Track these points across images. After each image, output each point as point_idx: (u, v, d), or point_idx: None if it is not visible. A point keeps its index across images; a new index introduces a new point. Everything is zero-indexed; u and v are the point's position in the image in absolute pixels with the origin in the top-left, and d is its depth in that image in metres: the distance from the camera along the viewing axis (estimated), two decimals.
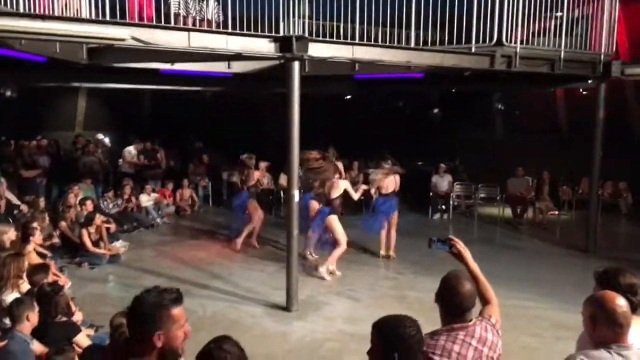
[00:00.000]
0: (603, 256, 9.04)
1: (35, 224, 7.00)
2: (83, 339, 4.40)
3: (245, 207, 9.63)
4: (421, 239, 10.41)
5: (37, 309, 3.98)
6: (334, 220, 8.06)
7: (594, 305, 2.40)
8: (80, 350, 4.07)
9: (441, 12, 8.12)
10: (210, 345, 2.14)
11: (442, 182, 12.82)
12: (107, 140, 13.61)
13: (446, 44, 8.41)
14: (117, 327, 4.11)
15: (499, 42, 8.02)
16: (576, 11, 8.76)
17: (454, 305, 2.52)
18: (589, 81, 9.74)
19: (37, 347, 3.87)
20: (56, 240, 8.55)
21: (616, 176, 12.67)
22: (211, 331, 5.94)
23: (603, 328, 2.34)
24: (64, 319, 4.52)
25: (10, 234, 6.81)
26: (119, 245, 9.22)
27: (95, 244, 8.58)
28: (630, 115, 13.38)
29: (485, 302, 2.72)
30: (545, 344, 5.77)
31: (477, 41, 8.00)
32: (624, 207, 12.75)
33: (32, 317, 3.86)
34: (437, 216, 12.66)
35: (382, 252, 9.13)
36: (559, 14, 8.58)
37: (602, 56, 8.82)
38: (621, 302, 2.34)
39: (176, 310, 2.05)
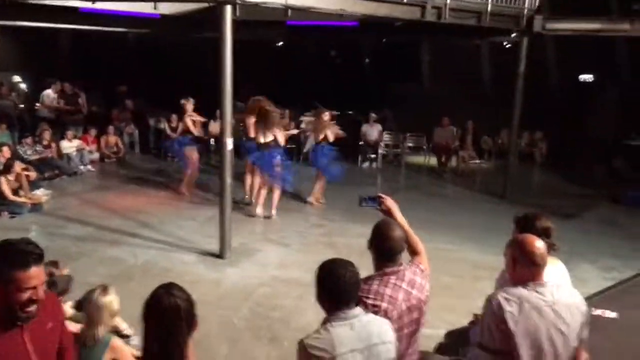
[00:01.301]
0: (518, 202, 9.64)
1: None
2: None
3: (182, 153, 9.48)
4: (351, 187, 10.77)
5: None
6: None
7: (515, 247, 2.61)
8: None
9: None
10: (159, 291, 2.16)
11: (372, 131, 13.08)
12: (23, 85, 12.72)
13: None
14: (46, 275, 4.03)
15: None
16: None
17: (386, 249, 2.66)
18: (513, 35, 10.12)
19: None
20: None
21: (533, 127, 13.41)
22: (143, 279, 5.97)
23: (522, 268, 2.56)
24: None
25: None
26: (41, 194, 8.85)
27: (15, 192, 8.19)
28: (549, 68, 14.09)
29: (414, 253, 2.89)
30: (465, 283, 6.19)
31: None
32: (539, 157, 13.60)
33: None
34: (366, 164, 12.97)
35: (312, 199, 9.29)
36: None
37: (526, 10, 9.15)
38: (539, 245, 2.56)
39: (19, 273, 1.99)
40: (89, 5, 7.90)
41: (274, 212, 8.38)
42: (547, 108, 13.15)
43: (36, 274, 2.04)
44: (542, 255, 2.55)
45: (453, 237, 7.74)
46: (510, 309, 2.43)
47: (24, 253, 2.03)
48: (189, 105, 9.32)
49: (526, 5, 9.12)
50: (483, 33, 11.15)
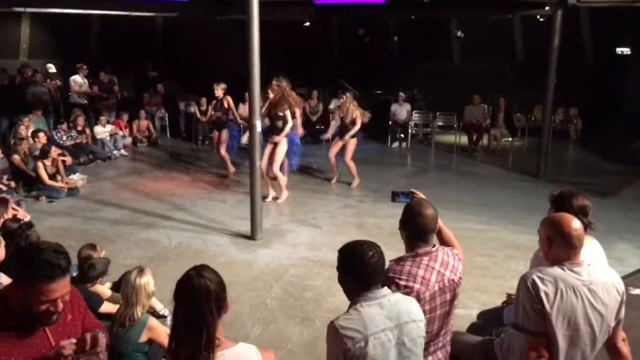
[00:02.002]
0: (552, 180, 9.48)
1: None
2: None
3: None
4: (381, 167, 10.72)
5: (3, 243, 3.94)
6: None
7: (551, 227, 2.54)
8: None
9: None
10: (190, 273, 2.19)
11: (401, 110, 12.94)
12: (53, 71, 12.93)
13: None
14: (85, 258, 4.15)
15: None
16: None
17: (418, 227, 2.63)
18: (546, 8, 9.82)
19: (6, 280, 3.87)
20: (12, 184, 8.28)
21: (568, 103, 13.07)
22: (177, 261, 6.09)
23: (558, 248, 2.50)
24: None
25: None
26: (77, 179, 9.06)
27: (52, 177, 8.41)
28: (584, 42, 13.66)
29: (448, 245, 2.87)
30: (498, 263, 6.13)
31: None
32: (574, 133, 13.26)
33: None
34: (395, 144, 12.87)
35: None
36: None
37: None
38: (576, 225, 2.50)
39: (43, 285, 1.97)
40: None
41: (285, 194, 8.35)
42: (582, 83, 12.78)
43: (60, 287, 2.01)
44: (579, 235, 2.49)
45: (485, 216, 7.65)
46: (545, 288, 2.39)
47: (51, 265, 1.99)
48: (219, 90, 9.24)
49: None
50: (515, 6, 10.86)
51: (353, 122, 8.99)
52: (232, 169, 9.52)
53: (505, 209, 8.01)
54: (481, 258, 6.22)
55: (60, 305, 2.05)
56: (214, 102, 9.46)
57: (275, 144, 8.14)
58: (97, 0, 9.82)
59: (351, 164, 9.21)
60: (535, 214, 6.86)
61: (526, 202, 8.19)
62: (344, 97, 9.08)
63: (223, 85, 9.26)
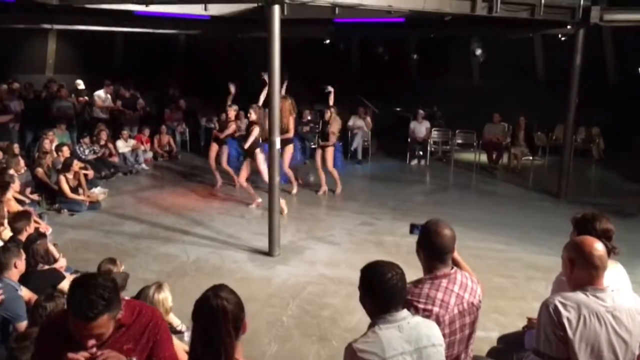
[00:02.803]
0: (574, 200, 9.36)
1: (12, 171, 6.91)
2: (67, 286, 4.45)
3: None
4: (399, 184, 10.68)
5: (24, 256, 4.00)
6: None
7: (573, 248, 2.51)
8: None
9: None
10: (208, 293, 2.20)
11: (420, 128, 12.91)
12: (82, 87, 13.19)
13: None
14: (106, 273, 4.18)
15: None
16: None
17: (436, 247, 2.58)
18: (568, 27, 9.76)
19: (26, 293, 3.92)
20: (35, 197, 8.42)
21: (589, 122, 12.91)
22: (195, 276, 6.11)
23: (581, 271, 2.46)
24: (46, 267, 4.56)
25: None
26: (98, 192, 9.18)
27: (74, 190, 8.53)
28: (606, 61, 13.52)
29: None
30: (518, 284, 6.03)
31: None
32: (596, 153, 13.08)
33: (19, 265, 3.89)
34: (414, 162, 12.82)
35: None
36: None
37: (582, 1, 8.80)
38: (599, 247, 2.46)
39: (79, 322, 2.03)
40: (142, 8, 8.12)
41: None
42: (604, 102, 12.62)
43: (99, 325, 2.04)
44: (602, 258, 2.44)
45: (505, 236, 7.56)
46: (567, 314, 2.34)
47: (89, 304, 2.01)
48: (231, 112, 9.61)
49: None
50: (536, 26, 10.80)
51: (332, 133, 9.51)
52: (220, 181, 10.01)
53: (526, 229, 7.91)
54: (501, 279, 6.13)
55: (104, 336, 2.09)
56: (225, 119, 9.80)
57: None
58: (121, 18, 10.00)
59: (334, 172, 9.68)
60: (556, 234, 6.80)
61: (547, 223, 8.08)
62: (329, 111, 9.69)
63: (235, 107, 9.66)
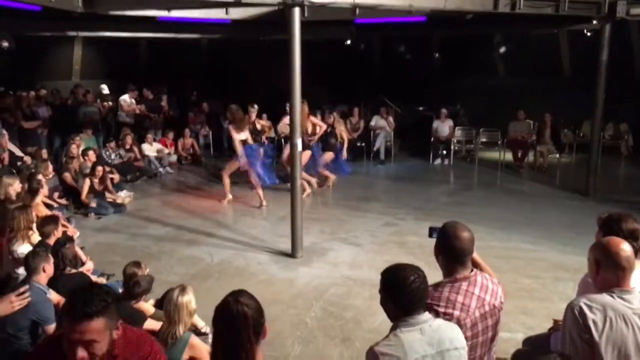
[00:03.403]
0: (602, 199, 9.16)
1: (41, 177, 7.06)
2: None
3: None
4: (423, 184, 10.61)
5: (52, 260, 4.08)
6: None
7: (600, 250, 2.46)
8: None
9: None
10: (228, 299, 2.21)
11: (444, 127, 12.80)
12: (107, 91, 13.43)
13: None
14: (130, 276, 4.25)
15: None
16: None
17: (455, 250, 2.55)
18: (594, 22, 9.57)
19: (55, 296, 4.00)
20: (63, 201, 8.60)
21: (617, 118, 12.64)
22: (219, 278, 6.16)
23: (607, 272, 2.41)
24: (73, 271, 4.64)
25: (16, 186, 6.88)
26: (124, 196, 9.33)
27: (102, 194, 8.69)
28: (634, 56, 13.22)
29: None
30: (545, 285, 5.93)
31: None
32: (625, 149, 12.79)
33: (48, 269, 3.97)
34: (438, 161, 12.72)
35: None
36: None
37: None
38: (625, 247, 2.41)
39: (67, 323, 1.92)
40: (165, 14, 8.22)
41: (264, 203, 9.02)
42: (633, 98, 12.34)
43: (93, 328, 1.90)
44: (629, 258, 2.39)
45: (532, 236, 7.43)
46: (593, 316, 2.30)
47: (86, 302, 1.90)
48: (253, 112, 9.72)
49: None
50: (561, 21, 10.63)
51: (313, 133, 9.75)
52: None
53: (553, 229, 7.77)
54: (528, 280, 6.04)
55: (83, 354, 1.91)
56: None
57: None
58: (144, 23, 10.15)
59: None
60: (584, 234, 6.66)
61: (575, 222, 7.93)
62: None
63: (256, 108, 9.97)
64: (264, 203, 8.98)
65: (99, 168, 8.86)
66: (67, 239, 4.78)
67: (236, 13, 8.16)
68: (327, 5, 6.74)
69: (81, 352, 1.90)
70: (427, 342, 2.22)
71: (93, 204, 8.53)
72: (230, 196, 9.22)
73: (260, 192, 8.99)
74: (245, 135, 8.92)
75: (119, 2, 6.76)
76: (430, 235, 2.86)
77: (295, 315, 5.28)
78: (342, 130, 10.76)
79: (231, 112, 8.94)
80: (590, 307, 2.32)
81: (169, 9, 8.04)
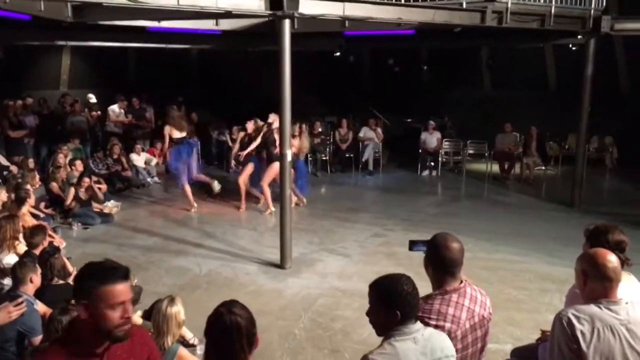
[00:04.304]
0: (588, 210, 9.27)
1: (28, 186, 7.01)
2: None
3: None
4: (411, 195, 10.67)
5: (39, 270, 4.05)
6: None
7: (587, 261, 2.49)
8: None
9: None
10: (221, 309, 2.21)
11: (431, 139, 12.90)
12: (94, 100, 13.35)
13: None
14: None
15: None
16: None
17: (446, 260, 2.54)
18: (579, 37, 9.74)
19: (42, 307, 3.96)
20: (49, 211, 8.51)
21: (602, 131, 12.82)
22: (208, 289, 6.13)
23: (594, 283, 2.44)
24: (61, 282, 4.60)
25: (2, 195, 6.82)
26: (111, 206, 9.26)
27: (86, 203, 8.62)
28: (618, 70, 13.45)
29: None
30: (531, 296, 5.97)
31: None
32: (609, 162, 12.97)
33: (35, 279, 3.93)
34: (425, 173, 12.80)
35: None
36: None
37: (592, 11, 8.79)
38: (612, 258, 2.44)
39: (107, 287, 1.99)
40: (155, 24, 8.24)
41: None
42: (617, 111, 12.53)
43: (124, 290, 2.04)
44: (615, 269, 2.42)
45: (518, 247, 7.49)
46: (581, 327, 2.33)
47: (111, 269, 2.05)
48: (250, 125, 9.73)
49: (592, 5, 8.76)
50: (547, 35, 10.80)
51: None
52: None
53: (539, 240, 7.84)
54: (515, 291, 6.08)
55: (131, 310, 2.08)
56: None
57: None
58: (134, 33, 10.14)
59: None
60: (571, 245, 6.72)
61: (561, 233, 8.02)
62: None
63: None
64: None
65: (86, 180, 8.81)
66: (55, 249, 4.74)
67: (226, 24, 8.20)
68: (317, 17, 6.80)
69: (130, 311, 2.07)
70: (420, 351, 2.23)
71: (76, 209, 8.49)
72: (196, 205, 9.41)
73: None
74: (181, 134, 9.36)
75: (109, 12, 6.75)
76: (411, 249, 2.86)
77: (284, 326, 5.27)
78: (300, 143, 9.69)
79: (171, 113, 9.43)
80: (578, 318, 2.35)
81: (159, 19, 8.06)
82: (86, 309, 2.00)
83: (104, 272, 2.03)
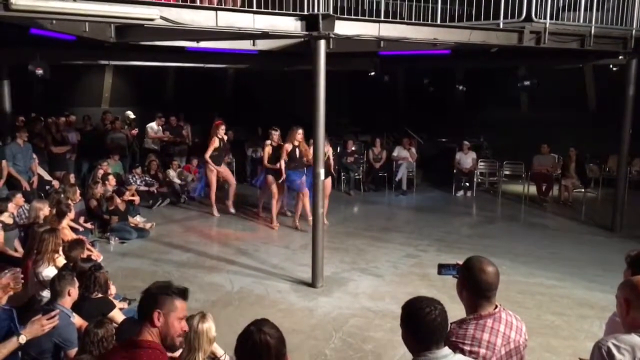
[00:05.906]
0: (629, 235, 8.98)
1: (69, 202, 7.20)
2: (117, 314, 4.57)
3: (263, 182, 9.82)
4: (445, 216, 10.53)
5: (77, 284, 4.14)
6: None
7: (629, 289, 2.40)
8: (115, 325, 4.23)
9: None
10: (251, 328, 2.22)
11: (466, 159, 12.75)
12: (132, 117, 13.71)
13: (474, 19, 8.30)
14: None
15: (528, 18, 7.86)
16: None
17: (482, 284, 2.49)
18: (620, 57, 9.53)
19: (78, 320, 4.04)
20: (88, 225, 8.73)
21: None
22: (239, 306, 6.16)
23: (637, 312, 2.35)
24: (100, 295, 4.69)
25: (45, 210, 7.02)
26: (140, 220, 9.38)
27: (124, 217, 8.81)
28: None
29: None
30: (569, 322, 5.79)
31: (505, 16, 7.83)
32: None
33: (73, 292, 4.02)
34: (460, 193, 12.64)
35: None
36: None
37: (634, 31, 8.59)
38: None
39: (178, 302, 2.42)
40: (194, 44, 8.44)
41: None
42: None
43: (186, 307, 2.48)
44: None
45: (556, 272, 7.29)
46: (621, 357, 2.24)
47: (184, 290, 2.49)
48: (275, 135, 9.62)
49: (635, 25, 8.57)
50: (586, 55, 10.60)
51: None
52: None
53: (578, 265, 7.62)
54: (552, 316, 5.91)
55: (186, 326, 2.50)
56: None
57: None
58: (174, 53, 10.42)
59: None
60: (610, 270, 6.54)
61: (600, 258, 7.78)
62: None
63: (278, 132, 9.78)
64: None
65: (119, 200, 8.98)
66: (99, 265, 4.84)
67: (263, 44, 8.35)
68: (352, 38, 6.85)
69: (186, 325, 2.51)
70: None
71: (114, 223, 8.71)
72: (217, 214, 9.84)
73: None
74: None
75: (150, 33, 6.95)
76: (440, 273, 2.83)
77: (314, 345, 5.24)
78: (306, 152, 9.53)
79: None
80: (618, 348, 2.26)
81: (198, 40, 8.25)
82: (160, 317, 2.37)
83: (181, 290, 2.47)
